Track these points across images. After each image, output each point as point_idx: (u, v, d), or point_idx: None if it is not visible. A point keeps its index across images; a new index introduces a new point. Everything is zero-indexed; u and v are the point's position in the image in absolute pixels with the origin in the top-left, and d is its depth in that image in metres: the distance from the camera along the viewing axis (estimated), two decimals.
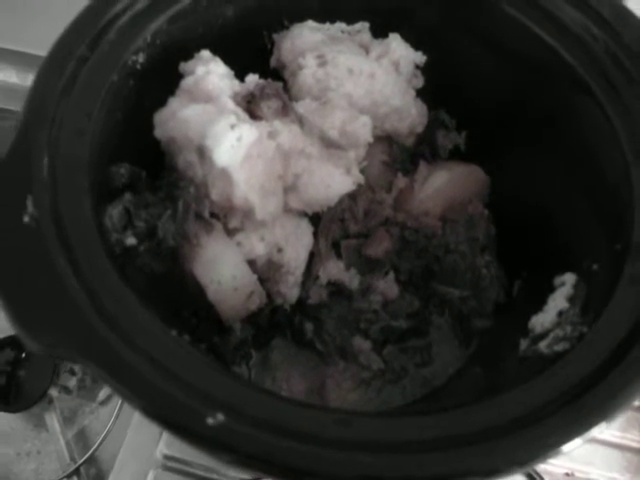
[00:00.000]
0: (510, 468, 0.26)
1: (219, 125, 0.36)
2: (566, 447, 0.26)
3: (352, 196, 0.46)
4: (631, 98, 0.40)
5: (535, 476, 0.57)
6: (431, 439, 0.28)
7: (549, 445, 0.26)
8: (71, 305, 0.29)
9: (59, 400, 0.83)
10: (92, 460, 0.79)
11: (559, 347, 0.33)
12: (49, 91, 0.36)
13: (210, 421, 0.26)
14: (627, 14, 0.43)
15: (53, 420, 0.82)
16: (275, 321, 0.48)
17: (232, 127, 0.37)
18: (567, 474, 0.60)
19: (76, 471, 0.79)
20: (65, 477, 0.78)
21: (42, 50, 0.78)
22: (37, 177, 0.32)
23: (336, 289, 0.48)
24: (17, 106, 0.81)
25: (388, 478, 0.27)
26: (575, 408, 0.27)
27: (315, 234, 0.47)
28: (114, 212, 0.36)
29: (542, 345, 0.35)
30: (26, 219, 0.31)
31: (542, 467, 0.59)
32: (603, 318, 0.32)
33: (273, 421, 0.27)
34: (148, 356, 0.28)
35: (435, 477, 0.26)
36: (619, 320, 0.31)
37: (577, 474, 0.60)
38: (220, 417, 0.27)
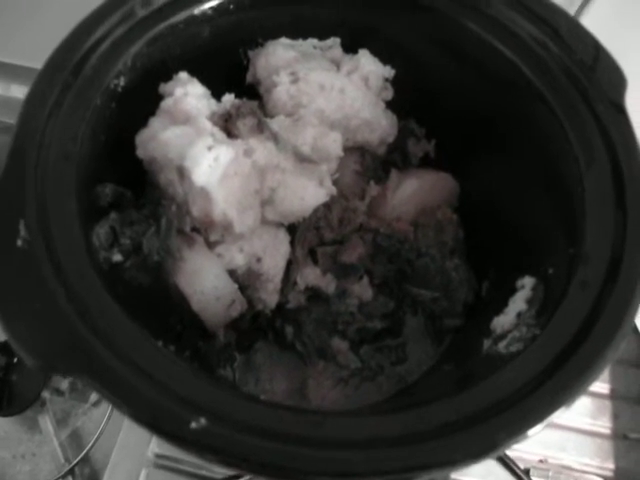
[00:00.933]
0: (465, 460, 0.29)
1: (197, 147, 0.39)
2: (512, 443, 0.29)
3: (327, 205, 0.49)
4: (583, 110, 0.42)
5: (510, 463, 0.61)
6: (396, 436, 0.31)
7: (496, 441, 0.29)
8: (64, 323, 0.31)
9: (52, 402, 0.85)
10: (86, 460, 0.82)
11: (514, 348, 0.36)
12: (36, 118, 0.38)
13: (193, 425, 0.29)
14: (582, 31, 0.46)
15: (47, 422, 0.84)
16: (257, 325, 0.50)
17: (209, 148, 0.39)
18: (541, 460, 0.63)
19: (71, 471, 0.81)
20: (60, 477, 0.81)
21: (25, 61, 0.80)
22: (28, 202, 0.35)
23: (314, 293, 0.50)
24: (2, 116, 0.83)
25: (357, 473, 0.29)
26: (521, 407, 0.30)
27: (292, 242, 0.49)
28: (101, 231, 0.38)
29: (501, 345, 0.38)
30: (19, 242, 0.33)
31: (517, 454, 0.62)
32: (553, 321, 0.34)
33: (252, 423, 0.30)
34: (136, 367, 0.31)
35: (398, 470, 0.29)
36: (567, 323, 0.34)
37: (550, 460, 0.63)
38: (203, 421, 0.29)
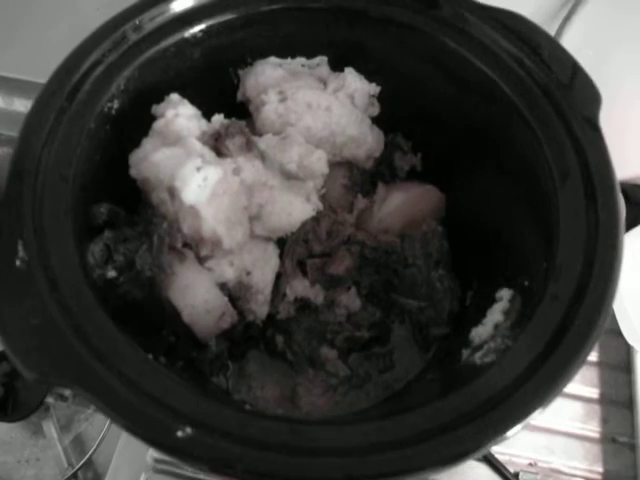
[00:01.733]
0: (434, 467, 0.31)
1: (186, 168, 0.41)
2: (480, 451, 0.31)
3: (315, 218, 0.51)
4: (559, 126, 0.44)
5: (499, 466, 0.62)
6: (374, 443, 0.32)
7: (468, 447, 0.31)
8: (59, 338, 0.33)
9: (55, 408, 0.87)
10: (89, 464, 0.84)
11: (488, 359, 0.37)
12: (33, 142, 0.40)
13: (179, 434, 0.31)
14: (560, 51, 0.47)
15: (50, 428, 0.86)
16: (248, 335, 0.52)
17: (198, 169, 0.41)
18: (530, 464, 0.64)
19: (74, 475, 0.83)
20: None
21: (27, 75, 0.81)
22: (26, 223, 0.37)
23: (303, 304, 0.52)
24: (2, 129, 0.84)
25: (335, 479, 0.31)
26: (492, 415, 0.32)
27: (281, 255, 0.51)
28: (95, 249, 0.40)
29: (477, 356, 0.39)
30: (18, 263, 0.35)
31: (506, 457, 0.64)
32: (525, 334, 0.36)
33: (237, 432, 0.32)
34: (127, 378, 0.33)
35: (372, 477, 0.31)
36: (539, 334, 0.36)
37: (540, 464, 0.64)
38: (188, 430, 0.31)
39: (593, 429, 0.66)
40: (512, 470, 0.62)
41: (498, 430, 0.32)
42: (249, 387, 0.52)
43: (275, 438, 0.32)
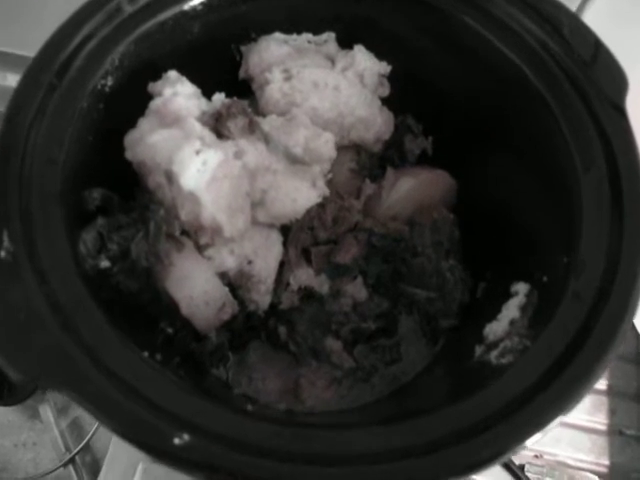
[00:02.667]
0: (447, 478, 0.29)
1: (184, 151, 0.38)
2: (497, 461, 0.29)
3: (321, 204, 0.48)
4: (582, 111, 0.41)
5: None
6: (385, 451, 0.30)
7: (482, 457, 0.29)
8: (47, 336, 0.31)
9: (52, 392, 0.85)
10: (86, 449, 0.82)
11: (505, 360, 0.35)
12: (19, 123, 0.37)
13: (177, 441, 0.29)
14: (583, 28, 0.44)
15: (47, 411, 0.85)
16: (250, 325, 0.50)
17: (197, 152, 0.39)
18: (536, 456, 0.63)
19: (72, 460, 0.82)
20: (62, 466, 0.81)
21: (21, 49, 0.78)
22: (12, 211, 0.34)
23: (307, 294, 0.50)
24: None
25: None
26: (509, 423, 0.30)
27: (285, 243, 0.49)
28: (88, 237, 0.37)
29: (492, 355, 0.37)
30: (2, 254, 0.33)
31: None
32: (545, 333, 0.34)
33: (237, 438, 0.30)
34: (121, 380, 0.31)
35: None
36: (559, 336, 0.33)
37: (545, 456, 0.63)
38: (186, 437, 0.29)
39: (600, 421, 0.65)
40: (518, 462, 0.61)
41: (517, 439, 0.30)
42: (250, 379, 0.50)
43: (277, 444, 0.30)
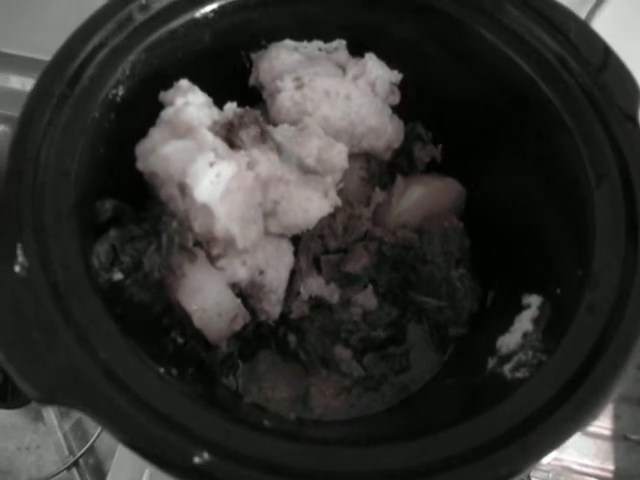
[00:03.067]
0: None
1: (198, 163, 0.38)
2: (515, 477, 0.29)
3: (331, 213, 0.48)
4: (594, 121, 0.41)
5: None
6: (400, 469, 0.30)
7: (499, 475, 0.29)
8: (63, 353, 0.31)
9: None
10: (90, 451, 0.82)
11: (520, 374, 0.35)
12: (32, 134, 0.37)
13: (197, 460, 0.29)
14: (591, 35, 0.44)
15: (50, 414, 0.84)
16: (260, 333, 0.50)
17: (211, 165, 0.38)
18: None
19: (75, 463, 0.81)
20: (65, 469, 0.81)
21: (24, 51, 0.78)
22: (25, 224, 0.34)
23: (317, 303, 0.50)
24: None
25: None
26: (525, 441, 0.30)
27: (295, 252, 0.49)
28: (101, 250, 0.37)
29: (506, 368, 0.37)
30: (17, 269, 0.32)
31: None
32: (560, 348, 0.34)
33: (256, 456, 0.30)
34: (139, 398, 0.31)
35: None
36: (575, 351, 0.33)
37: (551, 461, 0.63)
38: (206, 455, 0.29)
39: (605, 426, 0.65)
40: None
41: (534, 456, 0.30)
42: (260, 388, 0.50)
43: (298, 463, 0.30)
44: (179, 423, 0.30)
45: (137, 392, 0.31)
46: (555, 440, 0.30)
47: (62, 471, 0.81)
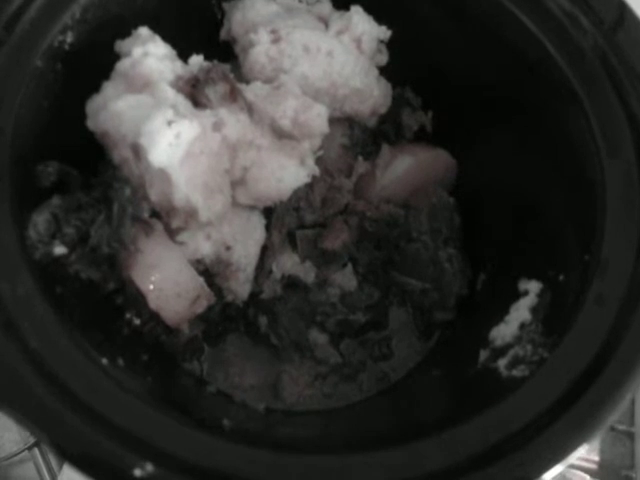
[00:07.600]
0: None
1: (155, 121, 0.33)
2: None
3: (309, 183, 0.43)
4: (607, 90, 0.37)
5: None
6: None
7: None
8: None
9: None
10: None
11: (518, 372, 0.31)
12: None
13: (138, 472, 0.25)
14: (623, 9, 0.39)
15: None
16: (227, 315, 0.46)
17: (169, 123, 0.33)
18: None
19: (37, 443, 0.77)
20: (26, 449, 0.77)
21: None
22: None
23: (291, 282, 0.46)
24: None
25: None
26: (523, 456, 0.26)
27: (268, 226, 0.44)
28: (39, 219, 0.32)
29: (501, 364, 0.33)
30: None
31: None
32: (564, 344, 0.30)
33: (209, 466, 0.26)
34: (74, 397, 0.26)
35: None
36: (581, 348, 0.29)
37: None
38: (149, 467, 0.25)
39: None
40: None
41: (537, 468, 0.26)
42: (226, 374, 0.46)
43: (255, 474, 0.26)
44: (120, 426, 0.26)
45: (72, 388, 0.26)
46: (561, 450, 0.27)
47: (23, 451, 0.77)
